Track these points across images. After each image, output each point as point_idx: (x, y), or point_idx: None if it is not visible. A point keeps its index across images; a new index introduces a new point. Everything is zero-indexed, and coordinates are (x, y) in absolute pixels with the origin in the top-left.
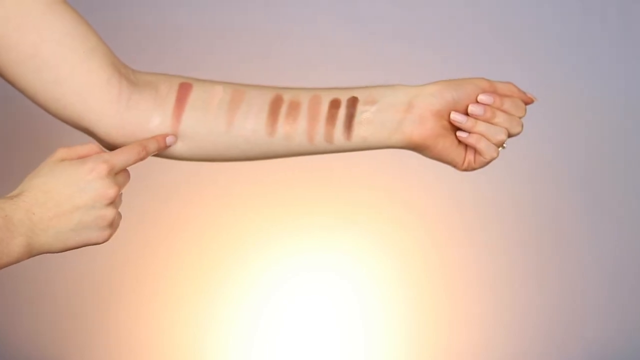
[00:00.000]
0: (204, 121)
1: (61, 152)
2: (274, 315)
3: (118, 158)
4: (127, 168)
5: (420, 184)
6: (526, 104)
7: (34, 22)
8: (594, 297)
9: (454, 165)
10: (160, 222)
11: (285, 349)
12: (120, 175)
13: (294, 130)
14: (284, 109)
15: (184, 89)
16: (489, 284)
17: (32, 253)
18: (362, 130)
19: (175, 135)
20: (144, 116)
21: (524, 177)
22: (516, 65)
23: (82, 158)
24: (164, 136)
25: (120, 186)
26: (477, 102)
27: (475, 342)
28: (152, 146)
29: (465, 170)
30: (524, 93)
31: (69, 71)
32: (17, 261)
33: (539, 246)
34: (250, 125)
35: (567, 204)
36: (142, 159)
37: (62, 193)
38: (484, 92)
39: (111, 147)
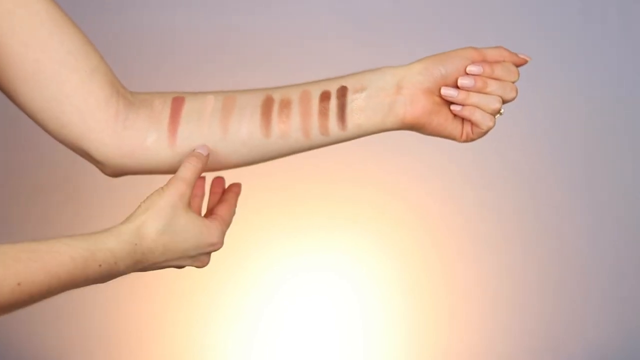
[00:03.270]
0: (199, 132)
1: (180, 198)
2: (274, 315)
3: (228, 219)
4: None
5: (421, 183)
6: (519, 65)
7: (40, 39)
8: (594, 297)
9: (453, 139)
10: None
11: (285, 349)
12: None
13: (288, 127)
14: (275, 108)
15: (176, 103)
16: (489, 283)
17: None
18: (356, 118)
19: (206, 146)
20: (140, 135)
21: (524, 177)
22: None
23: (207, 218)
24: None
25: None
26: (466, 73)
27: (475, 342)
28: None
29: (465, 141)
30: (516, 55)
31: (69, 90)
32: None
33: (539, 246)
34: (245, 129)
35: (567, 203)
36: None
37: (179, 249)
38: (472, 62)
39: (109, 169)
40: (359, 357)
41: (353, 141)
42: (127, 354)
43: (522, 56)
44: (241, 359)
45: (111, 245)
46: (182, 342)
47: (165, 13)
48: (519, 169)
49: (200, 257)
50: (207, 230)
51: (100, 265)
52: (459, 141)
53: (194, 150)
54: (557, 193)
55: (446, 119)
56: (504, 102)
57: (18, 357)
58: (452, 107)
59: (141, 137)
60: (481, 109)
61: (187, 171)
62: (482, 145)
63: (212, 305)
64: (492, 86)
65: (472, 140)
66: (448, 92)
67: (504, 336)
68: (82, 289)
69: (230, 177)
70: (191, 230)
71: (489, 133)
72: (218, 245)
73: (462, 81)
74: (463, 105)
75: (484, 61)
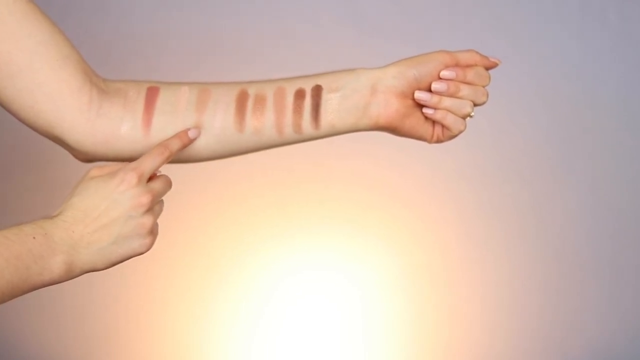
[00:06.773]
0: (173, 124)
1: (94, 171)
2: (274, 315)
3: (144, 164)
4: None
5: (420, 182)
6: (490, 68)
7: (10, 30)
8: (594, 297)
9: (423, 140)
10: (160, 223)
11: (285, 348)
12: (156, 181)
13: (262, 124)
14: (250, 103)
15: (151, 93)
16: (489, 283)
17: (74, 272)
18: (330, 118)
19: (198, 128)
20: (114, 123)
21: (524, 177)
22: (516, 65)
23: (112, 172)
24: (185, 131)
25: (156, 192)
26: (439, 78)
27: (476, 342)
28: (175, 145)
29: (435, 143)
30: (487, 58)
31: (42, 79)
32: (59, 280)
33: (539, 246)
34: (218, 123)
35: (567, 203)
36: (167, 158)
37: (98, 208)
38: (446, 66)
39: (82, 155)
40: (359, 356)
41: (353, 141)
42: (127, 354)
43: (492, 59)
44: (241, 359)
45: (37, 221)
46: (182, 341)
47: (161, 14)
48: (519, 169)
49: (133, 217)
50: (111, 174)
51: (34, 238)
52: (429, 142)
53: (185, 130)
54: (557, 193)
55: (418, 121)
56: (475, 105)
57: (18, 357)
58: (425, 110)
59: (115, 125)
60: (453, 113)
61: (144, 162)
62: (483, 145)
63: (212, 304)
64: (465, 91)
65: (442, 142)
66: (421, 96)
67: (504, 336)
68: (81, 288)
69: (228, 177)
70: (99, 181)
71: (490, 133)
72: (125, 178)
73: (435, 85)
74: (436, 108)
75: (456, 65)
